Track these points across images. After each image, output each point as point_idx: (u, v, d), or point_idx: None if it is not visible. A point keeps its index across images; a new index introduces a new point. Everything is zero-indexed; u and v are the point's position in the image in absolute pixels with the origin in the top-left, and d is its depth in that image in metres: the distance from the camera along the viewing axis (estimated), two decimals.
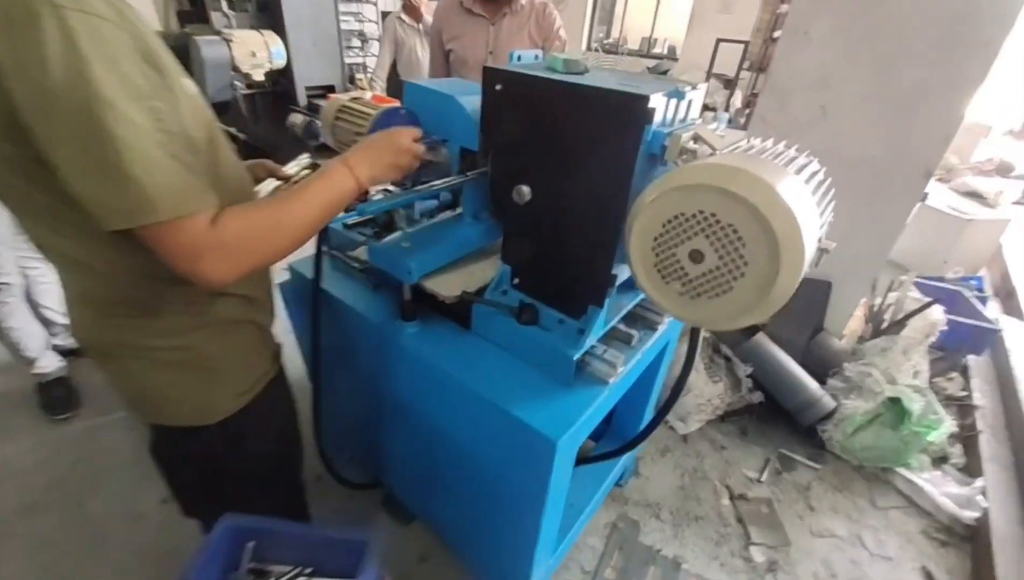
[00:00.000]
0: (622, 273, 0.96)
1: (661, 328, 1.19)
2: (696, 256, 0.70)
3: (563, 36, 2.18)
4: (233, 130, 3.44)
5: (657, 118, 0.78)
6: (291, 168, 1.06)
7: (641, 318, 1.19)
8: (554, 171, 0.91)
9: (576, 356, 0.96)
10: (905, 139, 1.78)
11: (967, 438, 2.04)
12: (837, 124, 1.87)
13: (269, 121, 3.52)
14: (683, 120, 0.88)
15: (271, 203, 0.76)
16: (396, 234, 1.10)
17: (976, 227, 3.39)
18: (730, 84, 7.19)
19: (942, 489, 1.77)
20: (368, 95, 3.25)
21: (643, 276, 0.78)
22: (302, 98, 3.31)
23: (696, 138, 0.78)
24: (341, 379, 1.42)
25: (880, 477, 1.86)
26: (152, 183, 0.59)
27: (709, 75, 7.02)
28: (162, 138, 0.61)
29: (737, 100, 7.36)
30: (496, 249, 1.26)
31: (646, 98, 0.75)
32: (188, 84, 0.73)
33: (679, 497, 1.72)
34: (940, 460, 1.91)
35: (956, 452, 1.94)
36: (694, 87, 0.84)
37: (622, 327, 1.08)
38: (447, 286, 1.06)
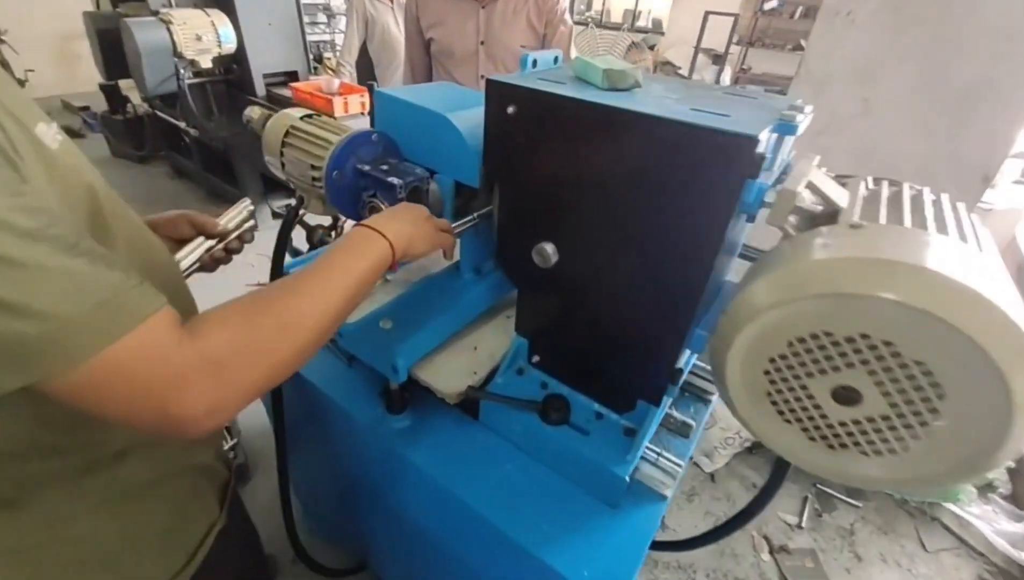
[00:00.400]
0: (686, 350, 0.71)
1: (714, 398, 0.95)
2: (845, 396, 0.45)
3: (569, 21, 1.82)
4: (183, 125, 3.05)
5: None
6: (228, 219, 0.77)
7: (689, 388, 0.95)
8: (596, 230, 0.64)
9: (627, 473, 0.71)
10: (960, 141, 1.54)
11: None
12: (881, 120, 1.63)
13: (224, 115, 3.12)
14: (783, 160, 0.62)
15: (269, 293, 0.51)
16: (371, 307, 0.82)
17: (991, 217, 3.23)
18: (719, 59, 6.90)
19: (994, 526, 1.61)
20: (335, 84, 2.89)
21: (744, 404, 0.53)
22: (259, 87, 2.92)
23: (811, 188, 0.53)
24: (318, 462, 1.16)
25: (927, 513, 1.70)
26: (69, 300, 0.37)
27: (697, 50, 6.70)
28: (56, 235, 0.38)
29: (727, 76, 7.09)
30: (509, 302, 0.99)
31: (753, 141, 0.48)
32: (48, 138, 0.45)
33: (714, 554, 1.52)
34: (986, 488, 1.75)
35: (1002, 479, 1.78)
36: (801, 111, 0.58)
37: (675, 413, 0.84)
38: (447, 376, 0.80)
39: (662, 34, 7.37)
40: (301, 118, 0.85)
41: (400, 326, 0.77)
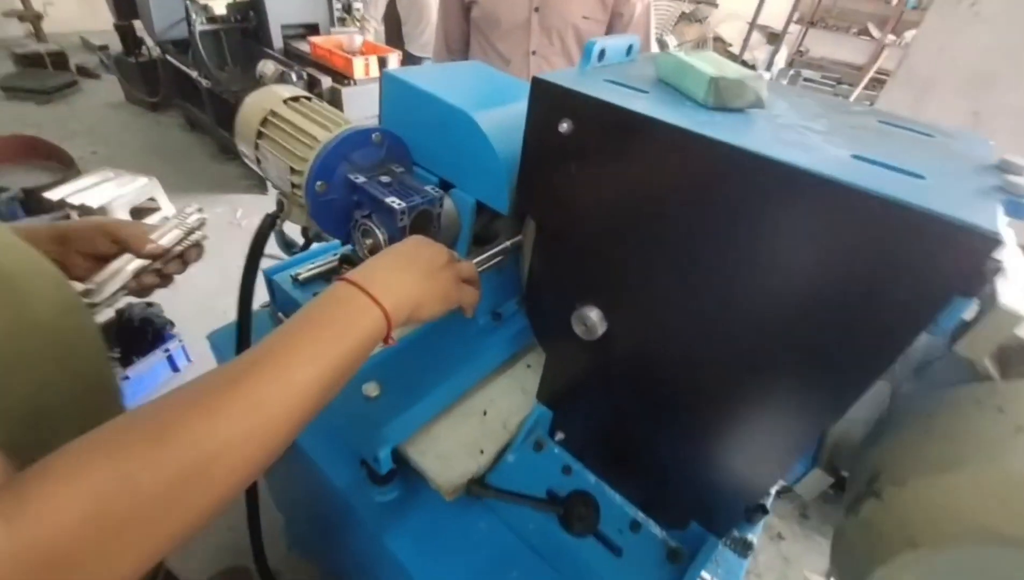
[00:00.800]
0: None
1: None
2: None
3: None
4: (194, 74, 2.85)
5: None
6: (164, 233, 0.58)
7: None
8: (676, 308, 0.45)
9: None
10: None
11: None
12: (990, 138, 1.36)
13: (239, 67, 2.91)
14: None
15: (170, 410, 0.32)
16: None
17: None
18: (775, 39, 6.36)
19: None
20: (358, 41, 2.65)
21: None
22: (277, 39, 2.69)
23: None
24: (296, 486, 1.01)
25: None
26: None
27: (752, 27, 6.19)
28: None
29: (781, 58, 6.56)
30: (531, 345, 0.81)
31: (990, 240, 0.28)
32: None
33: None
34: None
35: None
36: (1022, 172, 0.37)
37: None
38: (445, 458, 0.62)
39: (715, 6, 6.83)
40: (287, 100, 0.65)
41: (390, 392, 0.59)
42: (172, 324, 1.77)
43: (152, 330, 1.71)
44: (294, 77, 2.33)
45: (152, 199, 2.47)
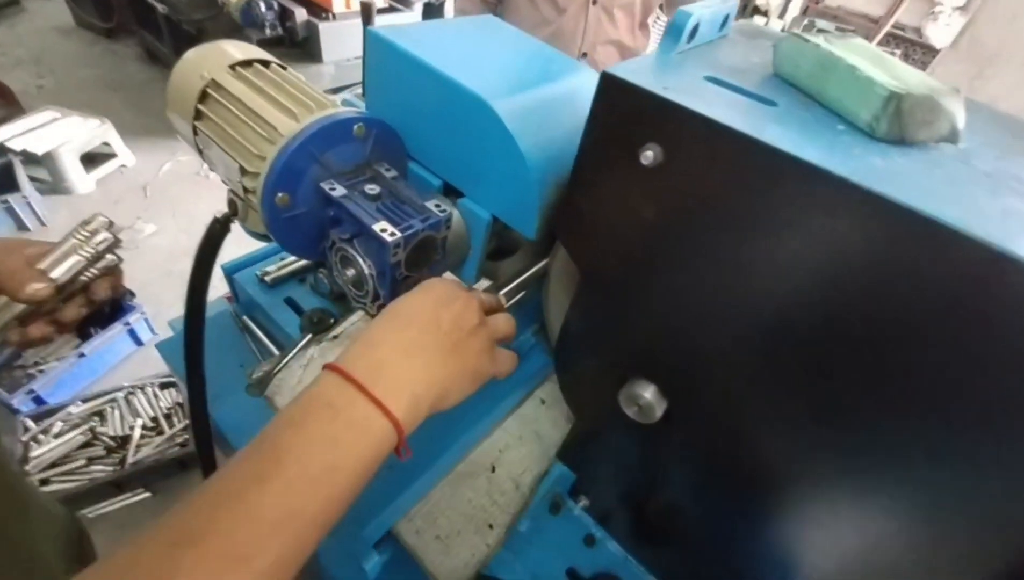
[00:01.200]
0: None
1: None
2: None
3: None
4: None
5: None
6: (58, 264, 0.42)
7: None
8: (780, 403, 0.32)
9: None
10: None
11: None
12: None
13: None
14: None
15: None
16: None
17: None
18: None
19: None
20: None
21: None
22: None
23: None
24: None
25: None
26: None
27: None
28: None
29: (796, 6, 6.14)
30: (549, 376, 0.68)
31: None
32: None
33: None
34: None
35: None
36: None
37: None
38: (446, 543, 0.50)
39: None
40: (237, 66, 0.47)
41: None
42: (132, 294, 1.60)
43: (110, 300, 1.54)
44: (263, 7, 2.03)
45: (106, 144, 2.21)
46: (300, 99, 0.45)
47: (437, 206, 0.43)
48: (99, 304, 0.45)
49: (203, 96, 0.47)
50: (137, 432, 1.30)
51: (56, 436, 1.27)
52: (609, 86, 0.29)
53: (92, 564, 0.25)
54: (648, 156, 0.28)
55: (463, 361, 0.37)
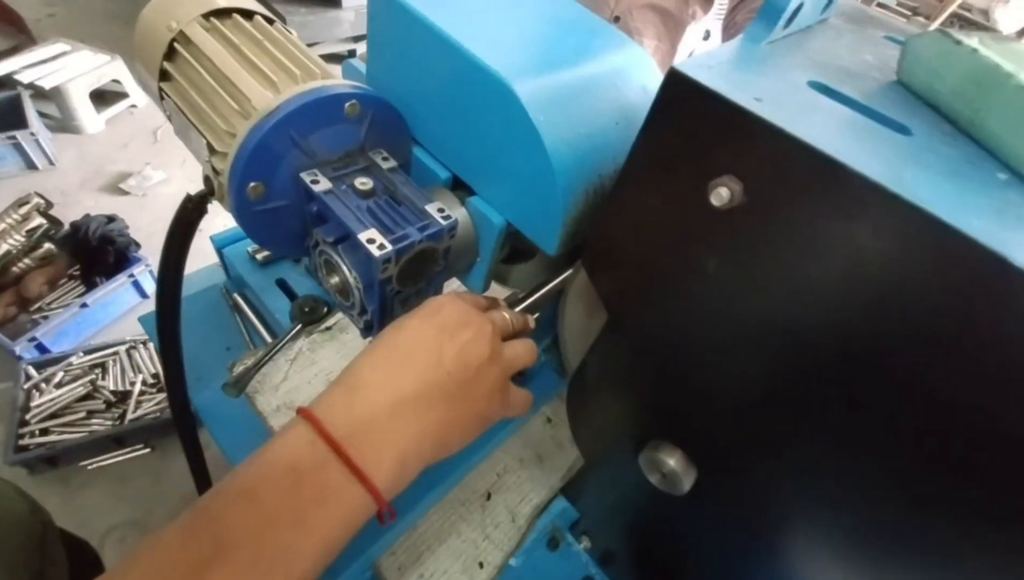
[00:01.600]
0: None
1: None
2: None
3: None
4: None
5: None
6: None
7: None
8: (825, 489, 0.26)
9: None
10: None
11: None
12: None
13: None
14: None
15: None
16: None
17: None
18: None
19: None
20: None
21: None
22: None
23: None
24: None
25: None
26: None
27: None
28: None
29: None
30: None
31: None
32: None
33: None
34: None
35: None
36: None
37: None
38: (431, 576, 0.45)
39: None
40: (211, 16, 0.39)
41: None
42: (138, 245, 1.56)
43: (114, 251, 1.50)
44: None
45: (116, 81, 2.13)
46: (284, 64, 0.37)
47: (440, 211, 0.35)
48: (32, 301, 0.39)
49: (170, 52, 0.39)
50: (137, 388, 1.28)
51: (57, 386, 1.26)
52: (677, 90, 0.21)
53: None
54: (722, 194, 0.20)
55: (468, 405, 0.31)
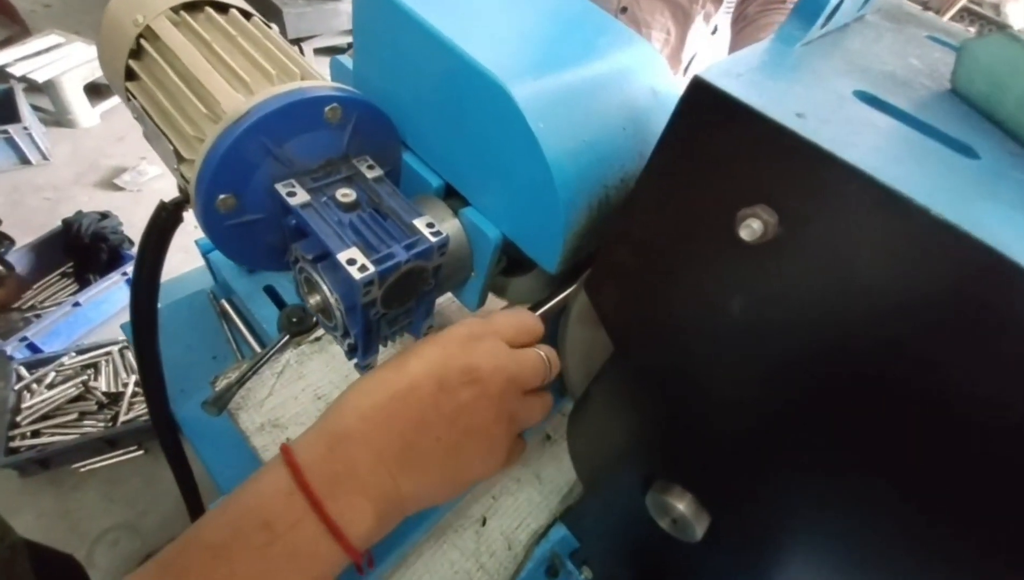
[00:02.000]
0: None
1: None
2: None
3: None
4: None
5: None
6: None
7: None
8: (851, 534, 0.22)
9: None
10: None
11: None
12: None
13: None
14: None
15: None
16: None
17: None
18: None
19: None
20: None
21: None
22: None
23: None
24: None
25: None
26: None
27: None
28: None
29: None
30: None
31: None
32: None
33: None
34: None
35: None
36: None
37: None
38: None
39: None
40: (181, 8, 0.36)
41: None
42: (131, 242, 1.53)
43: (107, 248, 1.48)
44: None
45: None
46: (259, 63, 0.34)
47: (430, 226, 0.32)
48: None
49: (136, 51, 0.35)
50: (130, 389, 1.26)
51: (49, 387, 1.23)
52: (701, 101, 0.17)
53: None
54: (753, 228, 0.17)
55: (457, 471, 0.28)
